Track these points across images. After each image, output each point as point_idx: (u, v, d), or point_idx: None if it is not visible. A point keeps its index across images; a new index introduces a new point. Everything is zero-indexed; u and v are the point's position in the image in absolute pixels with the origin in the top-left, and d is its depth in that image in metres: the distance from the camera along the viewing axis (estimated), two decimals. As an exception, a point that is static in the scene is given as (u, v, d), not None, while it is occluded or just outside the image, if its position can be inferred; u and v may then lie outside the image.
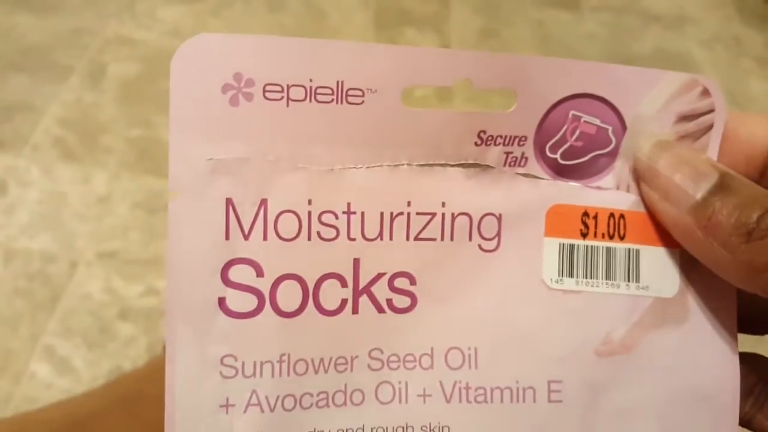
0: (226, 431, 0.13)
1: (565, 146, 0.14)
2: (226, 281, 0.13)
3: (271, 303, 0.13)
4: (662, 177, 0.14)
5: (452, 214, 0.14)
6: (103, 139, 0.67)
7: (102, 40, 0.78)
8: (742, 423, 0.15)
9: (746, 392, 0.15)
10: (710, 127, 0.14)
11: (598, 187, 0.14)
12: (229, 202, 0.12)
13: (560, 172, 0.14)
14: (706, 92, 0.14)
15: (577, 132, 0.14)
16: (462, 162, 0.14)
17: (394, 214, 0.13)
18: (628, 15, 0.87)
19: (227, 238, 0.12)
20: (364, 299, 0.13)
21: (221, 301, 0.13)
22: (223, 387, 0.13)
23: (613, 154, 0.14)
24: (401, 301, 0.13)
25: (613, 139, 0.14)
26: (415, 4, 0.82)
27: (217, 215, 0.12)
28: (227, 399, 0.12)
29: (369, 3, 0.75)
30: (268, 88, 0.12)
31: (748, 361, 0.15)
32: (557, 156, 0.14)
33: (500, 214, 0.14)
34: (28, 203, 0.60)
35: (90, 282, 0.56)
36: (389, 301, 0.13)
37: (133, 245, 0.59)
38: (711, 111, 0.14)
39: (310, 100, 0.12)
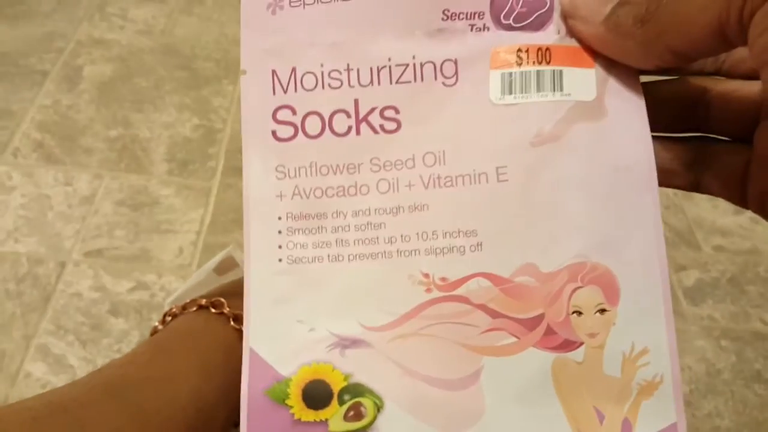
0: (280, 210, 0.19)
1: (514, 13, 0.19)
2: (275, 120, 0.20)
3: (302, 130, 0.20)
4: (580, 8, 0.19)
5: (420, 63, 0.19)
6: (82, 141, 0.67)
7: (75, 43, 0.78)
8: (693, 188, 0.20)
9: (689, 164, 0.20)
10: None
11: (531, 32, 0.20)
12: (273, 72, 0.20)
13: (515, 32, 0.20)
14: None
15: (521, 1, 0.19)
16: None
17: (380, 68, 0.20)
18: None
19: (273, 93, 0.20)
20: (363, 125, 0.19)
21: (273, 132, 0.20)
22: (278, 184, 0.20)
23: (550, 10, 0.19)
24: (390, 125, 0.19)
25: (548, 0, 0.19)
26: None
27: (267, 80, 0.20)
28: (281, 191, 0.19)
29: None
30: (292, 3, 0.20)
31: (688, 140, 0.20)
32: (510, 21, 0.19)
33: (456, 59, 0.19)
34: (12, 208, 0.60)
35: (79, 281, 0.56)
36: (381, 126, 0.19)
37: (119, 242, 0.59)
38: None
39: (317, 4, 0.19)
